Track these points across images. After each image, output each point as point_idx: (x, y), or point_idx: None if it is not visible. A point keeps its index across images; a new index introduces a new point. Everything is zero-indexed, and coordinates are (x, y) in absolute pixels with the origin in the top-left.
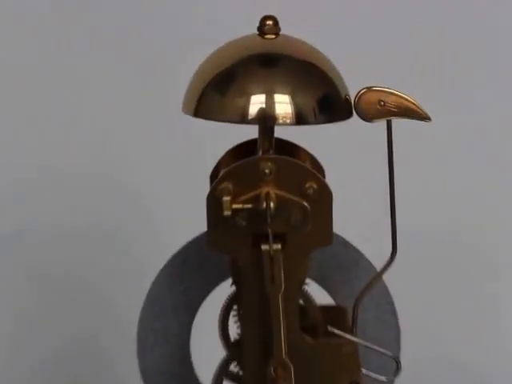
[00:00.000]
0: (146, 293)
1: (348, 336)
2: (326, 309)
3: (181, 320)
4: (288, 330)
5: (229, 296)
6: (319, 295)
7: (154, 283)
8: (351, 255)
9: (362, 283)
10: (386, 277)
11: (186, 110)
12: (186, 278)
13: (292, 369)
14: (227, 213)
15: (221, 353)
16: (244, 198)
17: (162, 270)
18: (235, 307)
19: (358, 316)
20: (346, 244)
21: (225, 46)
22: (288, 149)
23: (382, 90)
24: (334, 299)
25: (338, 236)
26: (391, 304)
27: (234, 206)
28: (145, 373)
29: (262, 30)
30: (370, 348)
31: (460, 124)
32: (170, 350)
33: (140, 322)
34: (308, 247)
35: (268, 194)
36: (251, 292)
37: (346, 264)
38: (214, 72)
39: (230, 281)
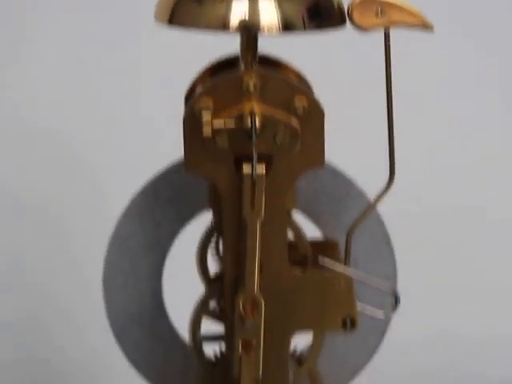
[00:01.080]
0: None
1: (340, 267)
2: (314, 243)
3: (152, 258)
4: (275, 263)
5: (207, 228)
6: (306, 228)
7: (122, 219)
8: (341, 184)
9: (353, 214)
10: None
11: (159, 17)
12: (158, 211)
13: (263, 306)
14: (207, 132)
15: (195, 294)
16: (226, 115)
17: (131, 204)
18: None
19: (351, 250)
20: (335, 172)
21: None
22: (272, 65)
23: None
24: (323, 232)
25: (326, 164)
26: (386, 236)
27: (215, 124)
28: (112, 317)
29: None
30: (365, 282)
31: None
32: (139, 292)
33: (106, 261)
34: (297, 170)
35: (253, 111)
36: (232, 220)
37: (335, 194)
38: None
39: (202, 217)
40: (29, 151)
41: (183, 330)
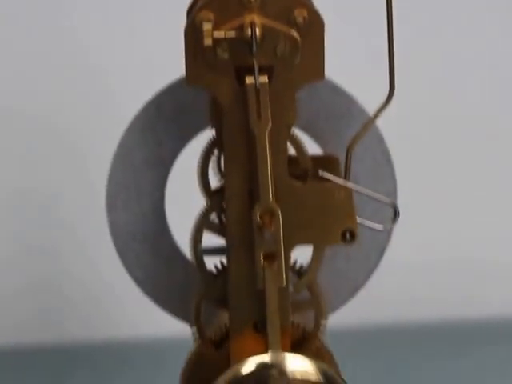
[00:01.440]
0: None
1: (340, 180)
2: (315, 158)
3: (154, 175)
4: (275, 176)
5: (207, 143)
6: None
7: (125, 136)
8: (342, 101)
9: (354, 132)
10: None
11: None
12: (160, 129)
13: (280, 214)
14: (208, 42)
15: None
16: (226, 27)
17: (134, 121)
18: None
19: (351, 168)
20: (335, 89)
21: None
22: None
23: None
24: (324, 150)
25: (327, 81)
26: (387, 153)
27: (216, 34)
28: (115, 233)
29: None
30: (365, 195)
31: None
32: (142, 208)
33: (109, 178)
34: (297, 82)
35: (253, 22)
36: (234, 134)
37: (336, 111)
38: None
39: (203, 136)
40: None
41: (185, 248)
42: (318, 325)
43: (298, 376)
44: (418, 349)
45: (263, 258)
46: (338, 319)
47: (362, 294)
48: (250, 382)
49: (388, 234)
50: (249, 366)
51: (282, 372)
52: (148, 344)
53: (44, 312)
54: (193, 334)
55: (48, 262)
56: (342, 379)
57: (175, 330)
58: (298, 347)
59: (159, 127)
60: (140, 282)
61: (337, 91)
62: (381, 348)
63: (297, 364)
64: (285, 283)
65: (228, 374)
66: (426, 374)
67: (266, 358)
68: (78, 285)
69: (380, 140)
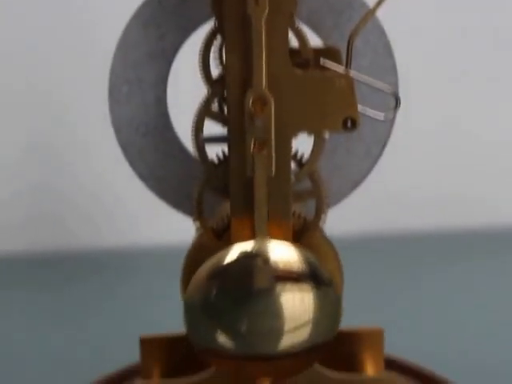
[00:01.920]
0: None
1: (341, 69)
2: (317, 50)
3: (157, 68)
4: (276, 64)
5: (210, 30)
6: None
7: (127, 29)
8: None
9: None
10: None
11: None
12: (162, 22)
13: (272, 102)
14: None
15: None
16: None
17: (135, 15)
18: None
19: (352, 61)
20: None
21: None
22: None
23: None
24: (325, 43)
25: None
26: (388, 47)
27: None
28: (118, 127)
29: None
30: (366, 83)
31: None
32: (144, 101)
33: (112, 71)
34: None
35: None
36: (234, 21)
37: (337, 5)
38: None
39: (205, 29)
40: None
41: (187, 142)
42: (319, 214)
43: (281, 265)
44: (416, 256)
45: (254, 146)
46: (337, 227)
47: (359, 202)
48: (233, 269)
49: (389, 126)
50: (233, 253)
51: (266, 260)
52: (154, 250)
53: (53, 218)
54: (195, 225)
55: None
56: (327, 271)
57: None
58: (299, 238)
59: (161, 20)
60: (143, 176)
61: None
62: (379, 256)
63: (281, 252)
64: (274, 171)
65: (212, 260)
66: (425, 282)
67: (250, 245)
68: (88, 193)
69: (381, 33)
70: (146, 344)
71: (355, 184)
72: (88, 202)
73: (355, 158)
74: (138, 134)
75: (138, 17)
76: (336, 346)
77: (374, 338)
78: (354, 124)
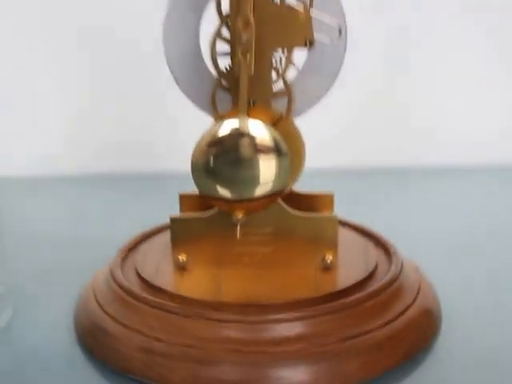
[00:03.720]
0: None
1: (301, 7)
2: None
3: (194, 20)
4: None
5: None
6: None
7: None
8: None
9: None
10: None
11: None
12: None
13: (253, 24)
14: None
15: None
16: None
17: None
18: None
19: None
20: None
21: None
22: None
23: None
24: None
25: None
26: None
27: None
28: (170, 60)
29: None
30: (318, 18)
31: None
32: (187, 40)
33: (165, 21)
34: None
35: None
36: None
37: None
38: None
39: None
40: None
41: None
42: (289, 108)
43: (258, 140)
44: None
45: (241, 54)
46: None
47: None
48: (225, 141)
49: (342, 53)
50: (223, 126)
51: (248, 135)
52: None
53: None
54: (210, 114)
55: None
56: (285, 145)
57: None
58: (276, 124)
59: None
60: (182, 85)
61: None
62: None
63: (257, 129)
64: (252, 72)
65: (209, 132)
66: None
67: (234, 121)
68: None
69: None
70: (184, 198)
71: (320, 94)
72: None
73: (320, 78)
74: (182, 62)
75: None
76: (303, 203)
77: (327, 199)
78: (312, 43)
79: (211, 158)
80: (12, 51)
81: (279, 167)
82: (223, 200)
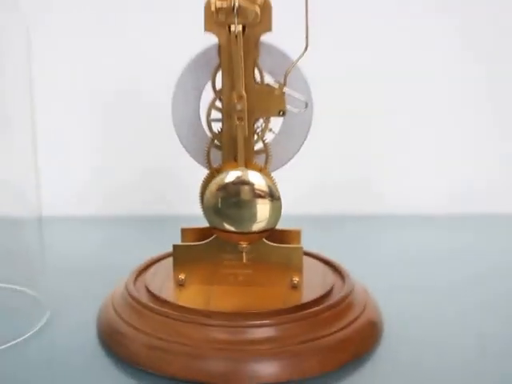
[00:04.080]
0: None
1: (277, 85)
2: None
3: (196, 93)
4: (247, 83)
5: (215, 67)
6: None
7: (183, 72)
8: (284, 59)
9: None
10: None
11: None
12: (199, 75)
13: (246, 97)
14: (213, 8)
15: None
16: (223, 3)
17: (188, 65)
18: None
19: (287, 82)
20: (281, 52)
21: None
22: None
23: None
24: (273, 77)
25: (277, 49)
26: (304, 79)
27: (218, 4)
28: (176, 122)
29: None
30: (290, 94)
31: None
32: (189, 108)
33: (174, 94)
34: (257, 33)
35: (235, 1)
36: (226, 58)
37: (280, 63)
38: None
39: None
40: None
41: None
42: (267, 163)
43: (256, 186)
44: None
45: (237, 119)
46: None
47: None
48: (229, 185)
49: (309, 120)
50: (229, 175)
51: (248, 183)
52: None
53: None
54: (205, 167)
55: None
56: (277, 192)
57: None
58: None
59: (200, 72)
60: (185, 144)
61: (283, 53)
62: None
63: (256, 178)
64: (247, 134)
65: (217, 180)
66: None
67: (238, 172)
68: None
69: (299, 71)
70: (184, 231)
71: (291, 155)
72: None
73: (293, 138)
74: (184, 125)
75: (190, 66)
76: (277, 237)
77: (295, 233)
78: (284, 113)
79: (219, 200)
80: (51, 109)
81: (272, 209)
82: (229, 233)
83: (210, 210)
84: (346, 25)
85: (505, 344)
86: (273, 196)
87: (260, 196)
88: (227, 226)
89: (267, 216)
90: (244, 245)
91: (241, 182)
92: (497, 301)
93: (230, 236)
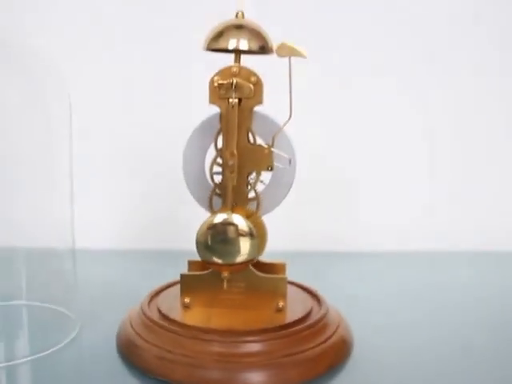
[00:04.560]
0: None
1: (267, 147)
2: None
3: (202, 151)
4: (239, 143)
5: (216, 132)
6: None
7: (193, 133)
8: (273, 125)
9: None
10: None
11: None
12: (205, 134)
13: (236, 155)
14: (215, 84)
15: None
16: (224, 80)
17: (197, 128)
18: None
19: (274, 144)
20: (267, 117)
21: None
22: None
23: None
24: (264, 140)
25: (268, 117)
26: (288, 140)
27: (220, 81)
28: (186, 175)
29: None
30: (277, 153)
31: None
32: (197, 164)
33: (185, 151)
34: (251, 104)
35: (233, 80)
36: (225, 124)
37: (270, 128)
38: None
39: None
40: None
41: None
42: (258, 209)
43: (239, 227)
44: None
45: (230, 172)
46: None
47: None
48: (218, 225)
49: (293, 174)
50: (217, 217)
51: (231, 222)
52: None
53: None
54: (208, 211)
55: None
56: (256, 230)
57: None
58: (250, 217)
59: (205, 133)
60: (192, 192)
61: (271, 120)
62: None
63: (239, 220)
64: (235, 183)
65: (208, 220)
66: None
67: (224, 214)
68: None
69: (285, 135)
70: (190, 263)
71: (279, 200)
72: None
73: (280, 188)
74: (192, 177)
75: (199, 128)
76: (266, 268)
77: (281, 266)
78: (272, 168)
79: (209, 238)
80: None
81: (252, 245)
82: (216, 264)
83: (201, 245)
84: (325, 97)
85: (461, 369)
86: (252, 235)
87: (242, 235)
88: (215, 259)
89: (247, 251)
90: (225, 274)
91: (227, 223)
92: (451, 330)
93: (218, 267)
